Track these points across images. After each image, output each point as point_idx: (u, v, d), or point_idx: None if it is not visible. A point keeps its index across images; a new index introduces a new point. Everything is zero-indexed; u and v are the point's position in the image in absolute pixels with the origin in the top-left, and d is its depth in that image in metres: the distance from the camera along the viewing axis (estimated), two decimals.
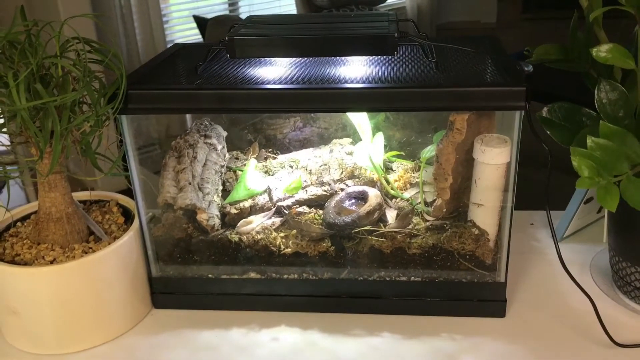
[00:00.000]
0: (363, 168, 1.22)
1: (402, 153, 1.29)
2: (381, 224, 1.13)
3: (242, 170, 1.25)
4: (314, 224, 1.12)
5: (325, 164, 1.25)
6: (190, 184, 1.11)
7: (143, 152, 1.12)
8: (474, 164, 1.03)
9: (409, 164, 1.29)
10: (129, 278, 1.04)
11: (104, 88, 0.93)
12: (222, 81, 1.01)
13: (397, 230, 1.10)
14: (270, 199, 1.20)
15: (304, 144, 1.43)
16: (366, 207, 1.12)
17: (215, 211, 1.14)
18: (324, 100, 0.95)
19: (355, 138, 1.33)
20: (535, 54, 1.14)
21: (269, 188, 1.21)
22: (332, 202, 1.17)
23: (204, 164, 1.18)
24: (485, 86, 1.01)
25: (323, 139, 1.44)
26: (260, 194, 1.20)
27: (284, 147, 1.43)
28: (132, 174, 1.05)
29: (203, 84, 0.99)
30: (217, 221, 1.14)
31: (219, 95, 0.98)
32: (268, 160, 1.31)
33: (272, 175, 1.25)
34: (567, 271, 1.02)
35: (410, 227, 1.12)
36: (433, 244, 1.07)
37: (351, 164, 1.24)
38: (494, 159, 1.00)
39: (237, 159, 1.37)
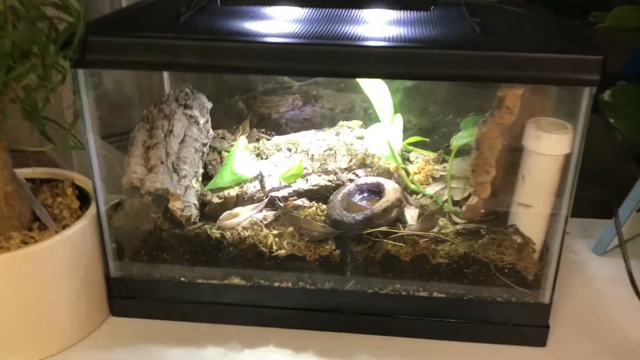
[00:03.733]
0: (376, 156, 1.13)
1: (426, 140, 1.18)
2: (399, 225, 1.01)
3: (228, 152, 1.15)
4: (315, 220, 1.01)
5: (331, 149, 1.15)
6: (162, 163, 1.00)
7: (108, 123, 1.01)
8: (523, 155, 0.86)
9: (430, 155, 1.21)
10: (79, 277, 0.93)
11: (56, 32, 0.74)
12: (208, 31, 0.83)
13: (420, 233, 0.99)
14: (262, 187, 1.09)
15: (304, 125, 1.35)
16: (382, 203, 1.01)
17: (192, 199, 1.03)
18: (337, 60, 0.80)
19: (366, 122, 1.27)
20: (609, 18, 0.96)
21: (260, 174, 1.11)
22: (339, 195, 1.06)
23: (182, 140, 1.07)
24: (551, 52, 0.84)
25: (327, 121, 1.36)
26: (250, 181, 1.10)
27: (280, 129, 1.35)
28: (89, 147, 0.88)
29: (184, 34, 0.81)
30: (194, 212, 1.03)
31: (203, 47, 0.81)
32: (261, 142, 1.21)
33: (266, 159, 1.16)
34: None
35: (435, 230, 1.01)
36: (464, 253, 0.96)
37: (362, 150, 1.14)
38: (552, 149, 0.83)
39: (223, 138, 1.27)
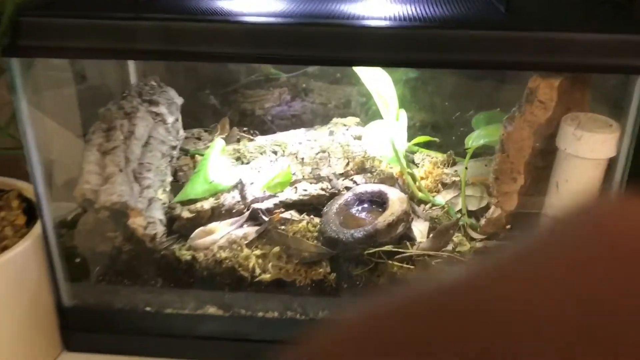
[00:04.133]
0: (377, 159, 1.04)
1: (436, 139, 1.10)
2: (407, 243, 0.92)
3: (202, 155, 1.06)
4: (307, 238, 0.92)
5: (324, 151, 1.06)
6: (121, 171, 0.90)
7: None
8: (557, 158, 0.70)
9: (438, 156, 1.12)
10: (24, 307, 0.85)
11: None
12: (171, 10, 0.67)
13: (432, 253, 0.89)
14: (243, 198, 0.99)
15: (292, 123, 1.28)
16: (386, 217, 0.91)
17: (158, 214, 0.93)
18: (330, 45, 0.69)
19: (364, 118, 1.19)
20: None
21: (241, 182, 1.00)
22: (334, 207, 0.96)
23: (146, 142, 0.97)
24: (594, 32, 0.68)
25: (319, 118, 1.29)
26: (228, 191, 1.00)
27: (265, 127, 1.29)
28: (29, 152, 0.72)
29: (141, 13, 0.65)
30: (160, 229, 0.93)
31: (165, 29, 0.64)
32: (242, 143, 1.13)
33: (247, 163, 1.06)
34: None
35: (449, 248, 0.91)
36: None
37: (360, 152, 1.05)
38: (594, 151, 0.67)
39: (198, 139, 1.20)
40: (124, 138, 0.94)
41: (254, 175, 1.01)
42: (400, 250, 0.90)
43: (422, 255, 0.89)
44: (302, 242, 0.91)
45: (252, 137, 1.16)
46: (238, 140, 1.13)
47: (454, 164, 1.10)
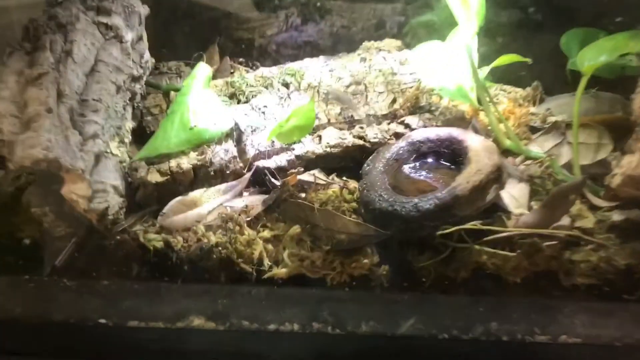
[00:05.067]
0: (437, 92, 0.82)
1: (527, 60, 0.80)
2: (501, 216, 0.68)
3: (177, 90, 0.85)
4: (342, 212, 0.71)
5: (358, 83, 0.83)
6: (50, 112, 0.68)
7: None
8: None
9: (518, 91, 0.90)
10: None
11: None
12: None
13: (542, 231, 0.65)
14: (241, 152, 0.78)
15: (305, 52, 1.07)
16: (469, 176, 0.66)
17: (111, 178, 0.73)
18: None
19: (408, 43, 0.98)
20: None
21: (237, 129, 0.79)
22: (380, 164, 0.73)
23: (91, 69, 0.75)
24: None
25: (341, 45, 1.07)
26: (219, 142, 0.78)
27: (268, 58, 1.08)
28: None
29: None
30: (114, 201, 0.72)
31: None
32: (237, 74, 0.91)
33: (246, 102, 0.85)
34: None
35: (564, 223, 0.66)
36: (626, 266, 0.66)
37: (412, 82, 0.83)
38: None
39: (178, 76, 0.95)
40: (55, 62, 0.73)
41: (257, 118, 0.81)
42: (494, 228, 0.66)
43: (528, 236, 0.63)
44: (336, 217, 0.68)
45: (251, 68, 0.96)
46: (232, 73, 0.93)
47: (542, 100, 0.89)
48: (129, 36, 0.78)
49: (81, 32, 0.73)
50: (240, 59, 1.03)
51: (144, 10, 0.83)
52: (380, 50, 0.95)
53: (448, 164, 0.73)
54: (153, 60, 0.85)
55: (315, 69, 0.88)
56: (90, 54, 0.73)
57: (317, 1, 1.11)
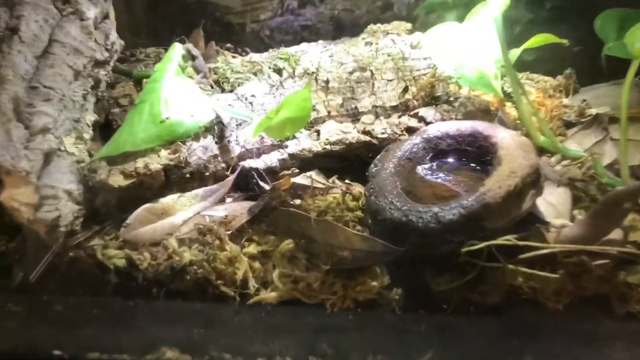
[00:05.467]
0: (455, 79, 0.71)
1: (563, 41, 0.69)
2: (541, 229, 0.56)
3: (148, 77, 0.73)
4: (344, 222, 0.60)
5: (364, 69, 0.72)
6: None
7: None
8: None
9: (548, 81, 0.80)
10: None
11: None
12: None
13: (590, 248, 0.54)
14: (224, 149, 0.66)
15: (303, 37, 0.99)
16: (502, 179, 0.54)
17: (64, 181, 0.60)
18: None
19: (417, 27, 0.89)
20: None
21: (219, 122, 0.67)
22: (390, 164, 0.62)
23: (44, 51, 0.63)
24: None
25: (344, 31, 0.99)
26: (196, 137, 0.66)
27: (262, 45, 0.99)
28: None
29: None
30: (67, 209, 0.59)
31: None
32: (221, 59, 0.80)
33: (231, 90, 0.73)
34: None
35: (614, 237, 0.55)
36: None
37: (425, 67, 0.72)
38: None
39: (152, 61, 0.85)
40: None
41: (243, 110, 0.70)
42: (532, 244, 0.54)
43: (573, 254, 0.53)
44: (337, 230, 0.56)
45: (236, 54, 0.86)
46: (217, 55, 0.82)
47: (576, 91, 0.78)
48: (91, 12, 0.67)
49: (31, 5, 0.61)
50: (228, 45, 0.92)
51: None
52: (387, 33, 0.83)
53: (472, 164, 0.61)
54: (122, 43, 0.72)
55: (313, 54, 0.76)
56: (42, 33, 0.62)
57: None
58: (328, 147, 0.64)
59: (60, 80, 0.61)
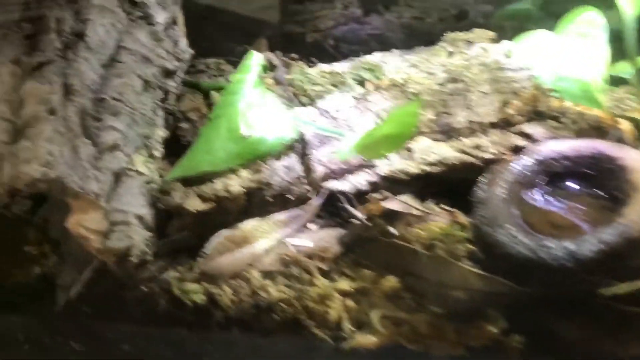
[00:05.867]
0: (556, 90, 0.64)
1: None
2: None
3: (222, 89, 0.67)
4: (458, 257, 0.53)
5: (456, 80, 0.65)
6: (53, 114, 0.51)
7: None
8: None
9: None
10: None
11: None
12: None
13: None
14: (308, 169, 0.61)
15: (371, 48, 0.90)
16: None
17: (135, 204, 0.54)
18: None
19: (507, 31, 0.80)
20: None
21: (302, 140, 0.61)
22: (500, 189, 0.55)
23: (110, 59, 0.58)
24: None
25: (415, 40, 0.90)
26: (278, 157, 0.60)
27: (326, 55, 0.91)
28: None
29: None
30: (139, 237, 0.52)
31: None
32: (296, 70, 0.72)
33: (310, 104, 0.66)
34: None
35: None
36: None
37: (524, 77, 0.65)
38: None
39: (219, 75, 0.79)
40: (63, 47, 0.55)
41: (327, 125, 0.62)
42: None
43: None
44: (451, 267, 0.49)
45: (309, 64, 0.77)
46: (286, 67, 0.72)
47: None
48: (160, 17, 0.60)
49: (98, 8, 0.55)
50: (293, 55, 0.89)
51: None
52: (469, 42, 0.75)
53: (595, 189, 0.53)
54: (191, 51, 0.66)
55: (393, 64, 0.69)
56: (109, 38, 0.56)
57: None
58: (426, 168, 0.56)
59: (129, 91, 0.54)
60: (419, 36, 0.96)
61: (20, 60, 0.54)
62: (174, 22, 0.65)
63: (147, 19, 0.61)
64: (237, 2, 1.07)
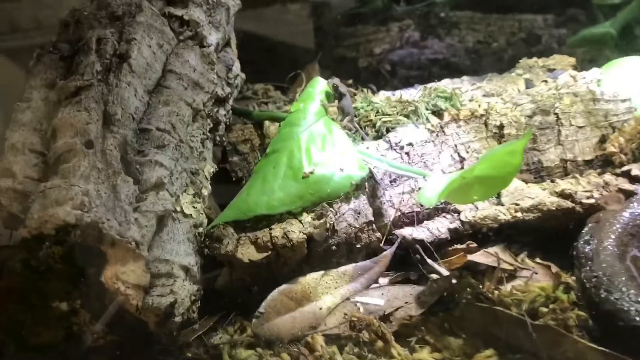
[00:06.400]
0: None
1: None
2: None
3: (280, 119, 0.59)
4: (568, 328, 0.43)
5: (546, 111, 0.58)
6: (91, 147, 0.44)
7: None
8: None
9: None
10: None
11: None
12: None
13: None
14: (378, 213, 0.52)
15: (431, 73, 0.88)
16: None
17: (182, 254, 0.46)
18: None
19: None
20: None
21: (371, 177, 0.53)
22: (611, 242, 0.45)
23: (157, 84, 0.51)
24: None
25: (480, 65, 0.88)
26: (346, 198, 0.51)
27: (381, 82, 0.88)
28: None
29: None
30: (184, 292, 0.45)
31: None
32: (362, 97, 0.64)
33: (378, 136, 0.59)
34: None
35: None
36: None
37: (624, 109, 0.58)
38: None
39: (263, 102, 0.72)
40: (104, 70, 0.48)
41: (399, 162, 0.54)
42: None
43: None
44: (565, 340, 0.39)
45: (373, 90, 0.70)
46: (336, 95, 0.61)
47: None
48: (212, 38, 0.53)
49: (144, 27, 0.49)
50: (348, 81, 0.80)
51: (235, 3, 0.57)
52: (547, 69, 0.68)
53: None
54: (243, 76, 0.59)
55: (465, 93, 0.61)
56: (156, 61, 0.49)
57: (441, 11, 0.89)
58: (518, 214, 0.48)
59: (176, 121, 0.47)
60: (485, 62, 0.89)
61: (56, 84, 0.47)
62: (227, 43, 0.58)
63: (198, 40, 0.53)
64: (279, 28, 1.00)
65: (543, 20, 0.85)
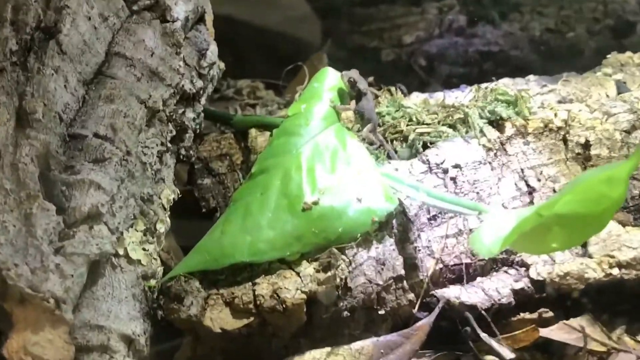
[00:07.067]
0: None
1: None
2: None
3: (272, 125, 0.65)
4: None
5: None
6: None
7: None
8: None
9: None
10: None
11: None
12: None
13: None
14: (410, 266, 0.57)
15: (483, 70, 0.95)
16: None
17: (125, 318, 0.50)
18: None
19: None
20: None
21: (401, 211, 0.56)
22: None
23: (97, 71, 0.54)
24: None
25: (551, 59, 0.95)
26: (361, 237, 0.55)
27: (412, 78, 0.95)
28: None
29: None
30: None
31: None
32: (388, 98, 0.69)
33: (413, 154, 0.63)
34: None
35: None
36: None
37: None
38: None
39: (251, 105, 0.83)
40: (21, 49, 0.51)
41: (441, 191, 0.57)
42: None
43: None
44: None
45: (402, 91, 0.74)
46: (355, 96, 0.64)
47: None
48: (179, 9, 0.55)
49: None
50: (368, 79, 0.83)
51: None
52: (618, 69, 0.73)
53: None
54: (222, 66, 0.61)
55: (534, 97, 0.63)
56: (97, 39, 0.50)
57: None
58: (614, 271, 0.48)
59: (123, 124, 0.48)
60: (559, 57, 0.95)
61: None
62: (200, 18, 0.59)
63: (159, 11, 0.55)
64: (274, 15, 1.06)
65: (637, 3, 0.90)
